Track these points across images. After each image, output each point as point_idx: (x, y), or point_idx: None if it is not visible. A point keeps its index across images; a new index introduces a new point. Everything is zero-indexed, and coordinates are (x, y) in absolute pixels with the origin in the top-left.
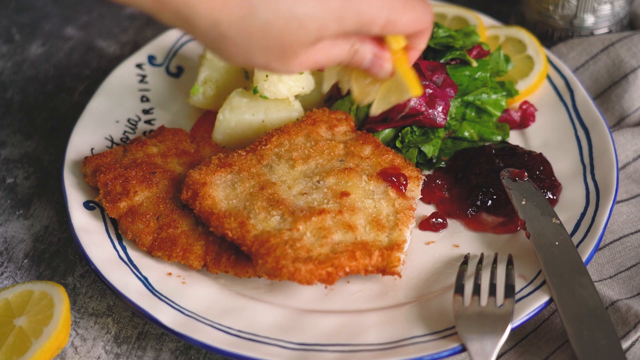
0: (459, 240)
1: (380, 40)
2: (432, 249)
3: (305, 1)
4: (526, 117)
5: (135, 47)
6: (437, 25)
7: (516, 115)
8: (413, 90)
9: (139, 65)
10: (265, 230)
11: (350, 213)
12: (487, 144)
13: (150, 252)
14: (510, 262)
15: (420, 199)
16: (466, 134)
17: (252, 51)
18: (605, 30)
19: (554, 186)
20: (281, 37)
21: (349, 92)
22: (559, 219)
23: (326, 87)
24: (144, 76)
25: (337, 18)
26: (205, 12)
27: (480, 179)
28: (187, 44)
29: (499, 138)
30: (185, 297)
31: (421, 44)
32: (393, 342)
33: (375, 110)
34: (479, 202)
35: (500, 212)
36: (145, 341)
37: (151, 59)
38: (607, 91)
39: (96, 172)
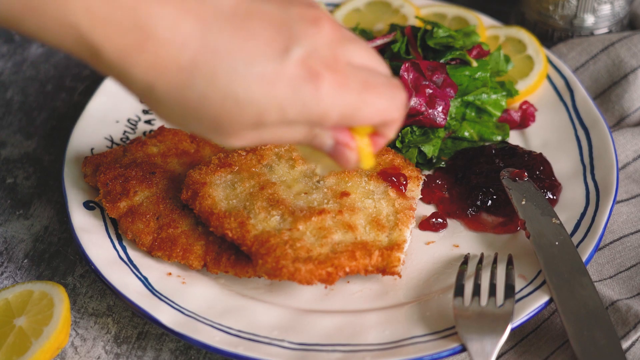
0: (459, 240)
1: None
2: (432, 249)
3: (248, 83)
4: (526, 117)
5: None
6: (437, 25)
7: (516, 115)
8: (365, 165)
9: None
10: (265, 230)
11: (350, 213)
12: (487, 144)
13: (150, 252)
14: (510, 262)
15: (420, 199)
16: (466, 134)
17: (187, 120)
18: (605, 30)
19: (554, 186)
20: (217, 114)
21: None
22: (559, 219)
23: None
24: None
25: (279, 108)
26: (141, 75)
27: (480, 179)
28: None
29: (499, 138)
30: (185, 297)
31: (389, 134)
32: (393, 342)
33: (322, 172)
34: (479, 202)
35: (500, 212)
36: (145, 341)
37: None
38: (607, 91)
39: (96, 172)
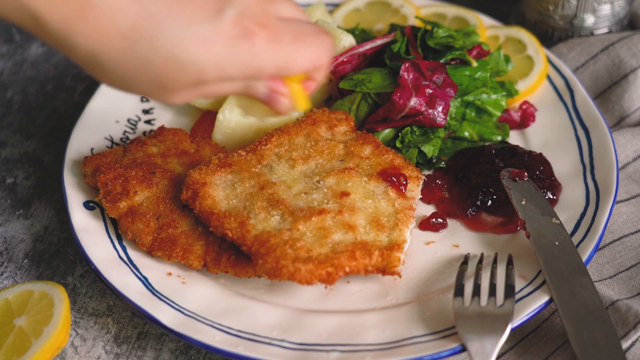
0: (459, 240)
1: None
2: (432, 249)
3: (187, 45)
4: (526, 117)
5: None
6: (437, 25)
7: (516, 115)
8: (302, 107)
9: None
10: (265, 230)
11: (350, 213)
12: (487, 144)
13: (150, 252)
14: (510, 262)
15: (420, 199)
16: (466, 134)
17: (131, 83)
18: (605, 30)
19: (554, 186)
20: (159, 75)
21: (349, 92)
22: (559, 219)
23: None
24: None
25: (218, 66)
26: (83, 43)
27: (480, 179)
28: None
29: (499, 138)
30: (185, 297)
31: (319, 77)
32: (393, 342)
33: (260, 118)
34: (479, 202)
35: (500, 212)
36: (145, 341)
37: None
38: (607, 91)
39: (96, 172)
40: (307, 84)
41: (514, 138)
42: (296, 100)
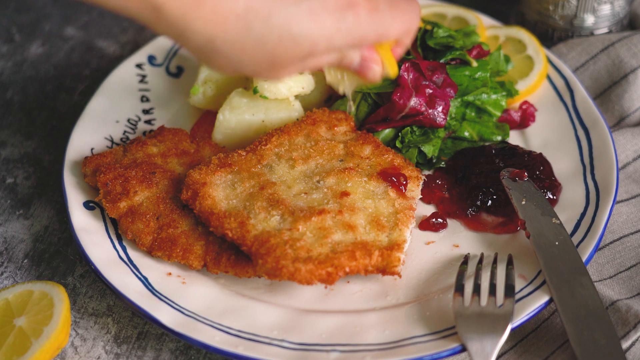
0: (459, 240)
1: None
2: (432, 249)
3: (300, 19)
4: (526, 117)
5: (135, 47)
6: (437, 25)
7: (516, 115)
8: (392, 73)
9: (139, 65)
10: (265, 230)
11: (350, 213)
12: (487, 144)
13: (150, 252)
14: (510, 262)
15: (420, 199)
16: (466, 134)
17: (244, 63)
18: (605, 30)
19: (554, 186)
20: (273, 52)
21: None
22: (559, 219)
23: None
24: (144, 76)
25: (328, 37)
26: (201, 28)
27: (480, 179)
28: None
29: (499, 138)
30: (185, 297)
31: (408, 41)
32: (393, 342)
33: (348, 89)
34: (479, 202)
35: (500, 212)
36: (145, 341)
37: (151, 59)
38: (607, 91)
39: (96, 172)
40: (394, 50)
41: (514, 138)
42: (387, 66)
